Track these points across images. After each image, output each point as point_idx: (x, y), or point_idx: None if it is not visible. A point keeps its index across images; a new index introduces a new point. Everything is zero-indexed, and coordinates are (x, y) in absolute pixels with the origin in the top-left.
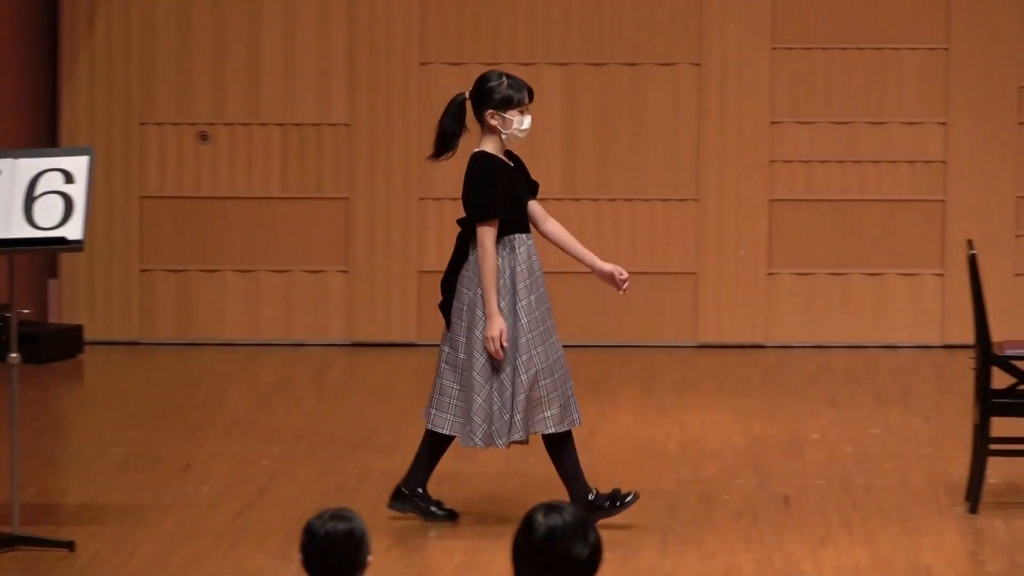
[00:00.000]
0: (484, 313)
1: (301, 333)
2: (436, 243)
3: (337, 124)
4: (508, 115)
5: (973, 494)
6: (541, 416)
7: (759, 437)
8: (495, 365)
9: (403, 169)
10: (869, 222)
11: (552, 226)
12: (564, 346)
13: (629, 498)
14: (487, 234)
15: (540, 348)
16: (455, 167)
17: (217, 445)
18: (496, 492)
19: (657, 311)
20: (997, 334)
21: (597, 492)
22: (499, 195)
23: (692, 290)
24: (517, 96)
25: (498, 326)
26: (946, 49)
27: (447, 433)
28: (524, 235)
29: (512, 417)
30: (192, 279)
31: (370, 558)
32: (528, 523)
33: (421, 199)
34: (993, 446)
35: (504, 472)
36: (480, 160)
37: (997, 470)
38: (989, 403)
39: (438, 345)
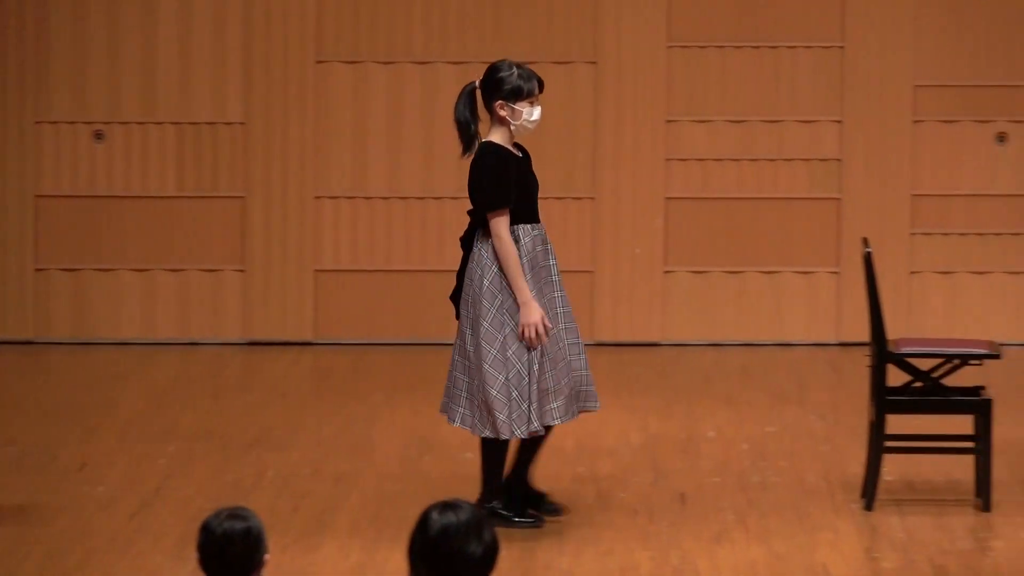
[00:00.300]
0: (492, 305)
1: (197, 332)
2: (332, 242)
3: (233, 123)
4: (518, 106)
5: (868, 491)
6: (548, 407)
7: (655, 435)
8: (507, 355)
9: (299, 168)
10: (765, 220)
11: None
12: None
13: (528, 521)
14: (500, 224)
15: (537, 350)
16: (352, 166)
17: (113, 444)
18: (392, 491)
19: None
20: (892, 332)
21: (506, 503)
22: (508, 185)
23: (588, 288)
24: (527, 86)
25: (535, 313)
26: (841, 48)
27: (457, 425)
28: (530, 226)
29: (529, 407)
30: (88, 278)
31: (267, 557)
32: (423, 521)
33: (317, 198)
34: (888, 443)
35: (399, 473)
36: (488, 150)
37: (892, 467)
38: (884, 401)
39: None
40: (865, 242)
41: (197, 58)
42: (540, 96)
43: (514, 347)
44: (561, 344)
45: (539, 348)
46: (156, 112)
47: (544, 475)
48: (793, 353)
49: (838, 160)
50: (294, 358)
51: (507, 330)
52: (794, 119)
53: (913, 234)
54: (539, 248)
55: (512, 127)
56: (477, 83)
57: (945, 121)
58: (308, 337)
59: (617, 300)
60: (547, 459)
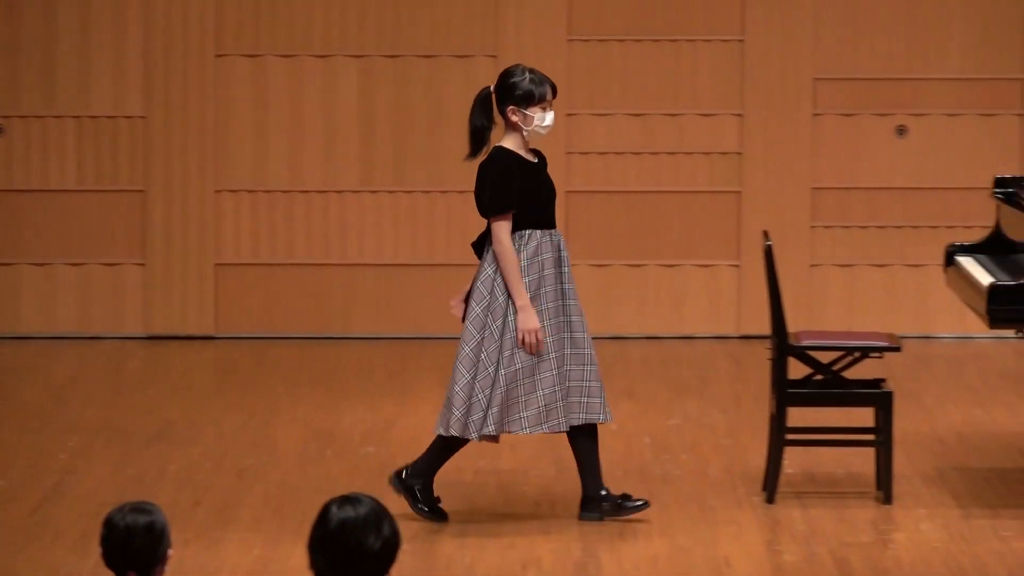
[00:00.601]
0: (479, 304)
1: (98, 326)
2: (233, 236)
3: (133, 116)
4: (529, 111)
5: (770, 484)
6: (516, 416)
7: None
8: (480, 356)
9: (199, 161)
10: (666, 214)
11: None
12: (355, 339)
13: (638, 503)
14: (501, 229)
15: (519, 353)
16: (252, 159)
17: (13, 439)
18: (294, 485)
19: None
20: (793, 325)
21: (608, 491)
22: (509, 190)
23: None
24: (539, 91)
25: (532, 320)
26: (741, 41)
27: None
28: (539, 231)
29: (487, 412)
30: None
31: (170, 551)
32: (323, 515)
33: (217, 191)
34: (789, 436)
35: (301, 467)
36: (494, 155)
37: (794, 460)
38: (785, 393)
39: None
40: (765, 235)
41: (97, 52)
42: (553, 101)
43: (489, 349)
44: (548, 356)
45: (516, 356)
46: (56, 106)
47: (446, 468)
48: (694, 346)
49: (738, 154)
50: (195, 352)
51: (486, 332)
52: (694, 112)
53: (813, 227)
54: (549, 254)
55: (524, 132)
56: (492, 88)
57: (844, 114)
58: (209, 331)
59: None
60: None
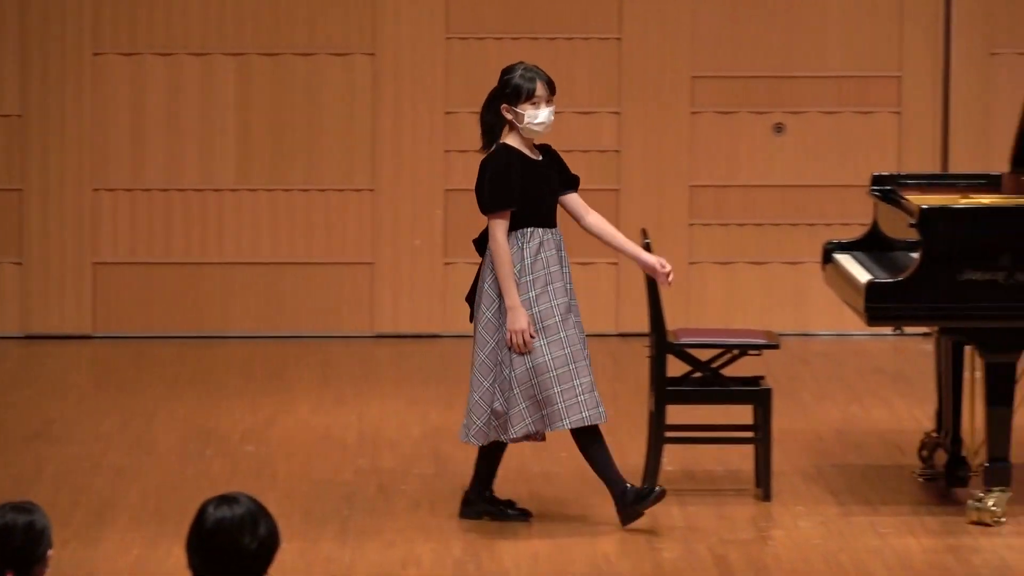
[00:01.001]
0: (488, 308)
1: None
2: (111, 234)
3: (9, 115)
4: (519, 108)
5: (650, 481)
6: (555, 409)
7: (437, 427)
8: (495, 361)
9: (77, 160)
10: None
11: (593, 219)
12: (234, 337)
13: (656, 491)
14: (496, 227)
15: (536, 345)
16: (130, 158)
17: None
18: (173, 485)
19: (334, 301)
20: (672, 322)
21: (630, 486)
22: (506, 188)
23: (368, 280)
24: (527, 87)
25: (521, 319)
26: (618, 39)
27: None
28: (541, 229)
29: (516, 411)
30: None
31: (51, 552)
32: (200, 515)
33: (95, 190)
34: (668, 433)
35: (180, 466)
36: (493, 153)
37: (673, 457)
38: (664, 391)
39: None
40: (644, 233)
41: None
42: (550, 97)
43: (505, 351)
44: (560, 352)
45: (542, 352)
46: None
47: (325, 468)
48: None
49: (616, 151)
50: (73, 351)
51: (500, 335)
52: (572, 111)
53: (691, 225)
54: (552, 252)
55: (520, 129)
56: None
57: (722, 112)
58: (87, 330)
59: (398, 292)
60: (328, 452)
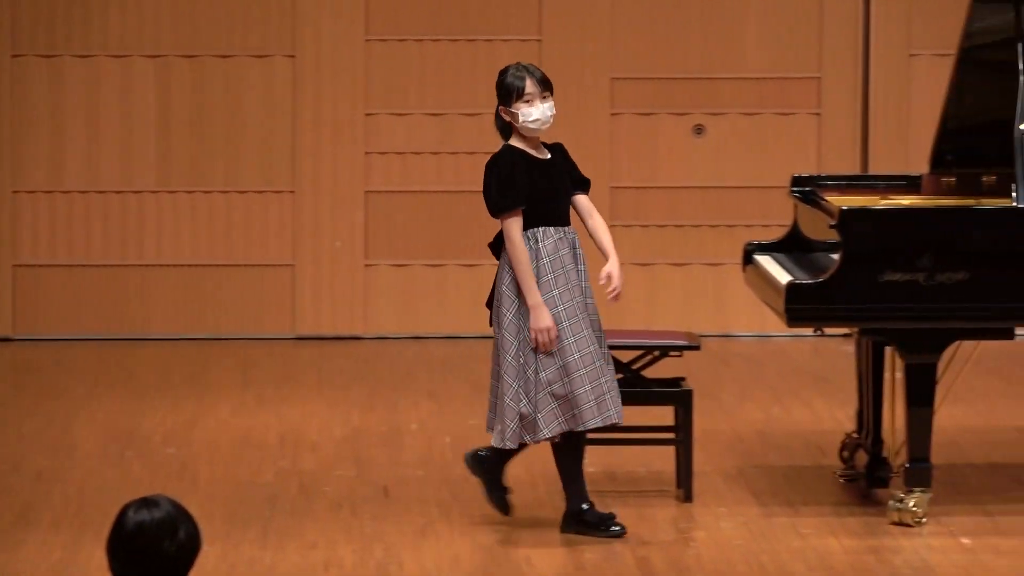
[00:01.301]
0: (509, 310)
1: None
2: (31, 237)
3: None
4: (514, 108)
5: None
6: (571, 413)
7: (358, 428)
8: (519, 362)
9: None
10: (465, 213)
11: (592, 223)
12: (154, 339)
13: (615, 528)
14: (511, 226)
15: (563, 343)
16: (49, 160)
17: None
18: (95, 488)
19: (255, 303)
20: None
21: (591, 506)
22: (514, 187)
23: (289, 282)
24: (517, 86)
25: (543, 319)
26: (539, 41)
27: (488, 431)
28: (552, 228)
29: (536, 414)
30: None
31: None
32: (119, 518)
33: (15, 192)
34: (590, 435)
35: (101, 469)
36: (498, 153)
37: (594, 459)
38: None
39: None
40: None
41: None
42: (544, 93)
43: (527, 352)
44: (580, 353)
45: (561, 354)
46: None
47: (247, 469)
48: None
49: None
50: None
51: (522, 336)
52: (492, 112)
53: (612, 226)
54: (563, 251)
55: (519, 128)
56: None
57: (642, 114)
58: (7, 332)
59: (318, 294)
60: (249, 453)
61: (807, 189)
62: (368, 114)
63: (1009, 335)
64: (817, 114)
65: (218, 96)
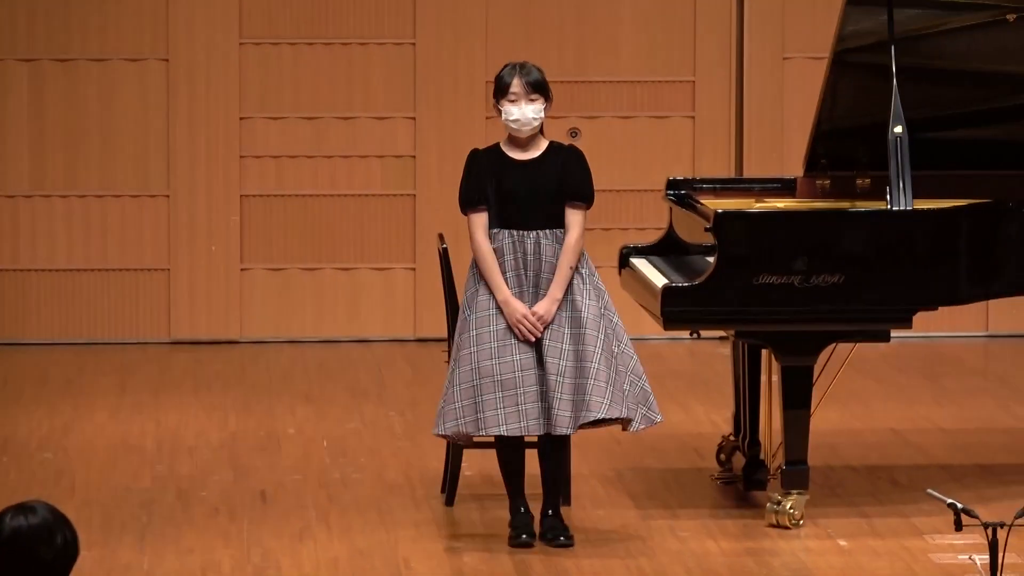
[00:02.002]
0: (463, 303)
1: None
2: None
3: None
4: (500, 105)
5: (449, 486)
6: (479, 416)
7: (235, 433)
8: (459, 354)
9: None
10: (340, 217)
11: (566, 238)
12: (29, 344)
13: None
14: (470, 224)
15: (481, 348)
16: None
17: None
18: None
19: (130, 308)
20: None
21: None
22: (471, 186)
23: (164, 286)
24: (504, 83)
25: (516, 310)
26: (413, 44)
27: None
28: (507, 231)
29: (443, 407)
30: None
31: None
32: None
33: None
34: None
35: None
36: (472, 151)
37: (472, 462)
38: None
39: None
40: (441, 238)
41: None
42: (530, 95)
43: (457, 348)
44: (506, 359)
45: (472, 356)
46: None
47: (123, 474)
48: (371, 350)
49: (412, 156)
50: None
51: (463, 335)
52: (367, 116)
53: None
54: (515, 255)
55: (505, 126)
56: None
57: None
58: None
59: (194, 298)
60: (126, 458)
61: (682, 192)
62: (243, 118)
63: (885, 337)
64: (692, 117)
65: (92, 100)
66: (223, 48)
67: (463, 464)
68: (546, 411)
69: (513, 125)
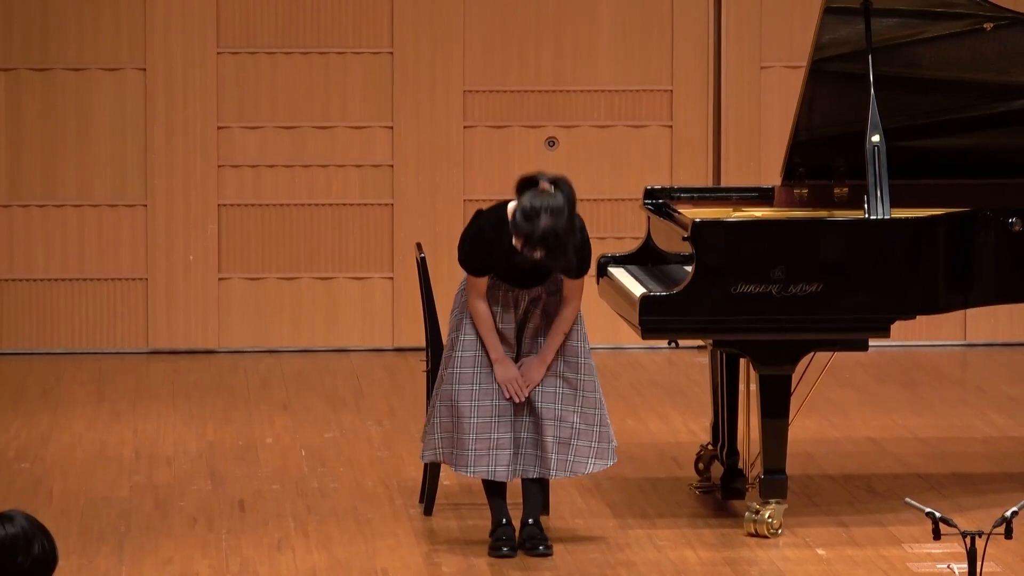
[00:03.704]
0: (449, 330)
1: None
2: None
3: None
4: (513, 237)
5: (428, 496)
6: (452, 452)
7: (213, 442)
8: (441, 388)
9: None
10: (318, 226)
11: (560, 311)
12: (7, 354)
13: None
14: (470, 284)
15: (462, 389)
16: None
17: None
18: None
19: (108, 317)
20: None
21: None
22: (473, 255)
23: (143, 296)
24: (517, 233)
25: (507, 370)
26: (390, 53)
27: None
28: (506, 285)
29: (425, 434)
30: None
31: None
32: None
33: None
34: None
35: None
36: (487, 211)
37: (450, 472)
38: None
39: None
40: (419, 247)
41: None
42: (534, 251)
43: (444, 384)
44: (486, 403)
45: (439, 388)
46: None
47: (101, 484)
48: (349, 359)
49: (390, 166)
50: None
51: (446, 370)
52: (345, 125)
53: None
54: (506, 310)
55: None
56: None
57: (495, 126)
58: None
59: (172, 307)
60: (104, 468)
61: (660, 201)
62: (220, 127)
63: (863, 346)
64: (669, 126)
65: (69, 109)
66: (200, 57)
67: (441, 474)
68: (536, 452)
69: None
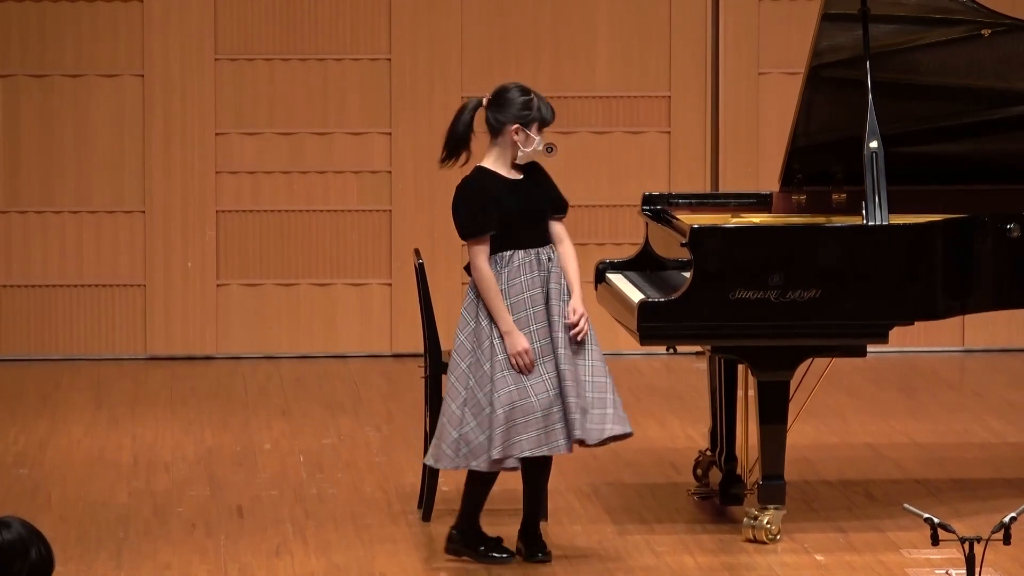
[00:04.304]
0: (463, 331)
1: None
2: None
3: None
4: (532, 132)
5: (426, 501)
6: (518, 439)
7: (212, 448)
8: (466, 384)
9: None
10: (317, 232)
11: (562, 249)
12: (6, 360)
13: (503, 556)
14: (475, 253)
15: (509, 374)
16: None
17: None
18: None
19: (107, 323)
20: (446, 342)
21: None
22: (484, 213)
23: (141, 302)
24: (546, 118)
25: (518, 343)
26: (388, 60)
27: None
28: (521, 251)
29: (487, 438)
30: None
31: None
32: None
33: None
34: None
35: None
36: (471, 176)
37: (448, 478)
38: (439, 412)
39: None
40: (417, 253)
41: None
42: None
43: (478, 376)
44: (542, 377)
45: (507, 379)
46: None
47: (100, 489)
48: (348, 365)
49: (388, 172)
50: None
51: (471, 359)
52: (343, 131)
53: (463, 245)
54: (531, 275)
55: (520, 152)
56: (485, 101)
57: None
58: None
59: (170, 314)
60: (102, 473)
61: (658, 207)
62: (218, 133)
63: (861, 352)
64: (667, 132)
65: (67, 115)
66: (198, 64)
67: (440, 480)
68: (571, 425)
69: (533, 154)
